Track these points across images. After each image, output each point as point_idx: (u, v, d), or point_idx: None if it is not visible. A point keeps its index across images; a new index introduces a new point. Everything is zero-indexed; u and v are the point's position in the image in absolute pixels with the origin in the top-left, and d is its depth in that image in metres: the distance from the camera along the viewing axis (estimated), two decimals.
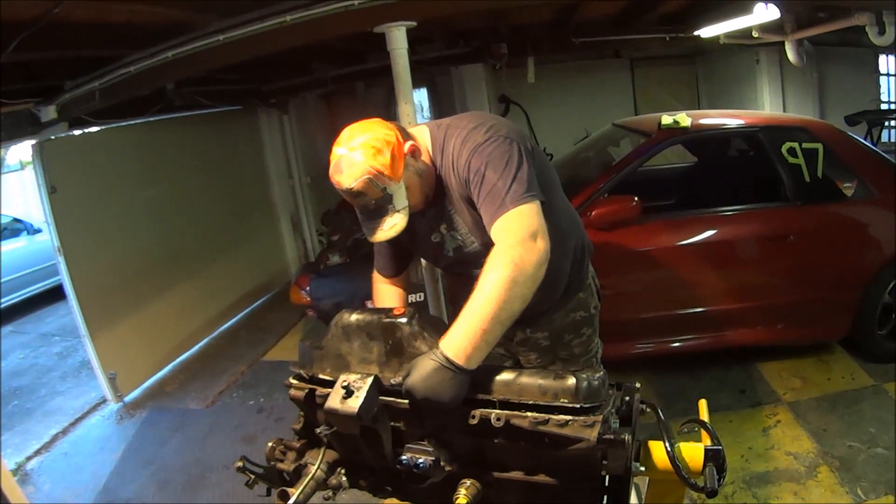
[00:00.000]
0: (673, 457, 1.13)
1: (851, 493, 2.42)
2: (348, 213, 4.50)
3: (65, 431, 3.85)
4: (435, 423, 1.19)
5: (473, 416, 1.12)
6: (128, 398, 4.11)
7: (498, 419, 1.09)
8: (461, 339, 1.16)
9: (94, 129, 4.06)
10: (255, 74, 5.17)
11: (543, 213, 1.35)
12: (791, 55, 4.61)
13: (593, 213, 3.05)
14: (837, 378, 3.24)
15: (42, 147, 3.61)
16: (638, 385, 1.23)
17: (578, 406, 1.07)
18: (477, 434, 1.14)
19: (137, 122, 4.35)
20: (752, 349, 3.40)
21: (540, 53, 5.52)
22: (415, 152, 1.45)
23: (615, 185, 3.21)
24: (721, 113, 4.47)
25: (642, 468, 1.15)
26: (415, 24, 2.43)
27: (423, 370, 1.13)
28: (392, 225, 1.41)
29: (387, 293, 1.76)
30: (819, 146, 3.24)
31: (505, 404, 1.13)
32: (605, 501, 1.10)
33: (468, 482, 1.16)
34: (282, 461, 1.33)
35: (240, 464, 1.33)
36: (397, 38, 2.42)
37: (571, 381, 1.09)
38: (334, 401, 1.15)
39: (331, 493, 1.25)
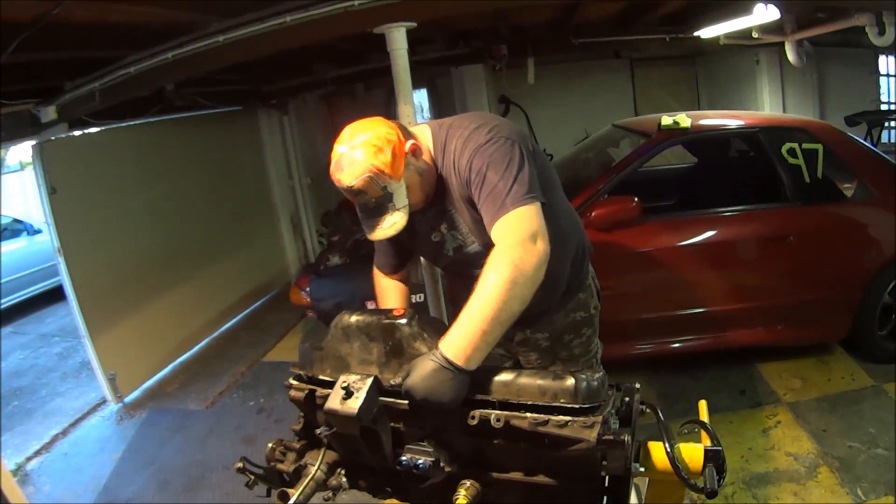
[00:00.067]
0: (673, 457, 1.13)
1: (851, 494, 2.42)
2: (348, 214, 4.51)
3: (65, 432, 3.85)
4: (435, 423, 1.19)
5: (473, 417, 1.12)
6: (128, 399, 4.11)
7: (497, 420, 1.09)
8: (461, 340, 1.16)
9: (94, 129, 4.06)
10: (255, 75, 5.17)
11: (544, 214, 1.35)
12: (791, 56, 4.61)
13: (593, 213, 3.05)
14: (837, 378, 3.24)
15: (42, 148, 3.61)
16: (638, 386, 1.23)
17: (578, 407, 1.07)
18: (476, 435, 1.14)
19: (137, 123, 4.35)
20: (752, 350, 3.40)
21: (540, 54, 5.53)
22: (416, 151, 1.45)
23: (615, 185, 3.20)
24: (721, 113, 4.47)
25: (642, 469, 1.15)
26: (415, 24, 2.43)
27: (422, 371, 1.13)
28: (392, 223, 1.41)
29: (389, 288, 1.76)
30: (819, 147, 3.24)
31: (504, 405, 1.13)
32: (604, 502, 1.10)
33: (468, 483, 1.16)
34: (282, 462, 1.33)
35: (240, 464, 1.33)
36: (397, 38, 2.42)
37: (571, 381, 1.09)
38: (334, 402, 1.15)
39: (331, 494, 1.25)
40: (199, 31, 2.56)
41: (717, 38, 4.82)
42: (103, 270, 4.04)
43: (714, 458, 1.14)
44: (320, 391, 1.26)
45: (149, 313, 4.38)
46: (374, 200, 1.39)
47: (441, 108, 6.41)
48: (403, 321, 1.23)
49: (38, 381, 4.77)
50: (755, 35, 4.50)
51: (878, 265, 3.19)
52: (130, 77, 2.80)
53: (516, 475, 1.17)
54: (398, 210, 1.41)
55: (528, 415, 1.09)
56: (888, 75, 6.36)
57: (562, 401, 1.08)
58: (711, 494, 1.10)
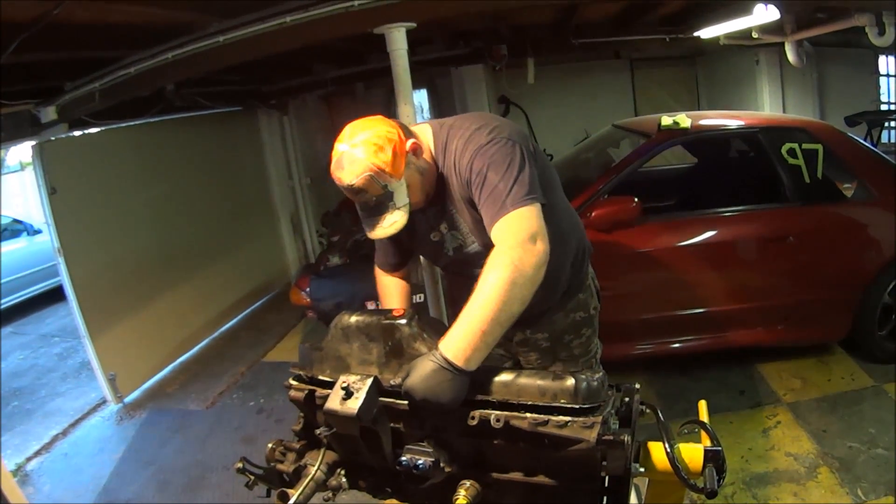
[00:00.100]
0: (672, 458, 1.13)
1: (851, 494, 2.42)
2: (348, 214, 4.51)
3: (65, 432, 3.85)
4: (434, 424, 1.19)
5: (473, 417, 1.12)
6: (128, 399, 4.11)
7: (497, 420, 1.09)
8: (460, 341, 1.16)
9: (94, 130, 4.06)
10: (255, 75, 5.18)
11: (544, 214, 1.35)
12: (791, 56, 4.61)
13: (593, 213, 3.05)
14: (837, 379, 3.24)
15: (42, 148, 3.61)
16: (637, 386, 1.23)
17: (578, 407, 1.07)
18: (476, 435, 1.14)
19: (137, 123, 4.36)
20: (752, 350, 3.40)
21: (540, 54, 5.53)
22: (416, 150, 1.45)
23: (615, 186, 3.20)
24: (721, 114, 4.47)
25: (642, 469, 1.15)
26: (415, 25, 2.43)
27: (422, 371, 1.13)
28: (392, 222, 1.41)
29: (390, 286, 1.77)
30: (819, 147, 3.24)
31: (504, 405, 1.13)
32: (604, 502, 1.10)
33: (468, 483, 1.16)
34: (282, 462, 1.33)
35: (240, 465, 1.33)
36: (397, 39, 2.42)
37: (571, 381, 1.09)
38: (334, 402, 1.15)
39: (330, 494, 1.25)
40: (199, 32, 2.56)
41: (717, 39, 4.82)
42: (103, 271, 4.04)
43: (714, 459, 1.14)
44: (320, 391, 1.26)
45: (149, 313, 4.38)
46: (374, 199, 1.39)
47: (441, 108, 6.42)
48: (403, 321, 1.23)
49: (38, 382, 4.77)
50: (755, 35, 4.50)
51: (878, 265, 3.19)
52: (130, 77, 2.80)
53: (516, 475, 1.17)
54: (398, 209, 1.41)
55: (528, 415, 1.09)
56: (888, 75, 6.36)
57: (562, 401, 1.08)
58: (711, 495, 1.10)
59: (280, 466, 1.33)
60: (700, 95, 7.37)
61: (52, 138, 3.57)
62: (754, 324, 3.29)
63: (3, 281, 6.14)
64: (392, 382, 1.18)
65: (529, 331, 1.81)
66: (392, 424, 1.21)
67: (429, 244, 1.65)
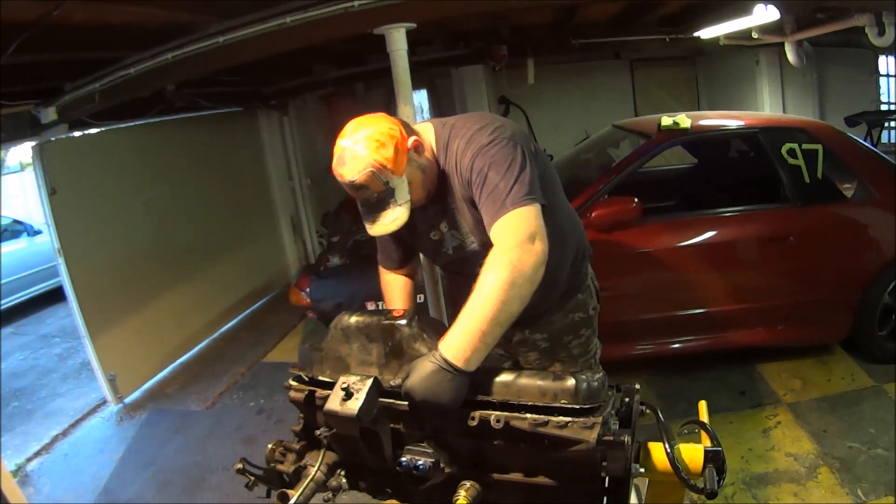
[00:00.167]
0: (673, 458, 1.13)
1: (852, 494, 2.42)
2: (348, 215, 4.51)
3: (65, 433, 3.85)
4: (434, 424, 1.19)
5: (473, 418, 1.12)
6: (128, 399, 4.11)
7: (497, 421, 1.09)
8: (460, 341, 1.16)
9: (94, 130, 4.07)
10: (256, 76, 5.18)
11: (544, 215, 1.35)
12: (791, 56, 4.61)
13: (593, 214, 3.05)
14: (837, 379, 3.24)
15: (42, 148, 3.61)
16: (637, 386, 1.23)
17: (578, 407, 1.07)
18: (476, 435, 1.14)
19: (137, 124, 4.36)
20: (752, 350, 3.40)
21: (540, 55, 5.54)
22: (418, 147, 1.45)
23: (615, 186, 3.20)
24: (721, 114, 4.47)
25: (642, 469, 1.15)
26: (415, 25, 2.43)
27: (422, 372, 1.13)
28: (394, 219, 1.41)
29: (393, 284, 1.77)
30: (819, 147, 3.24)
31: (504, 406, 1.13)
32: (604, 503, 1.10)
33: (468, 484, 1.16)
34: (282, 463, 1.33)
35: (240, 465, 1.33)
36: (397, 39, 2.42)
37: (571, 382, 1.09)
38: (334, 402, 1.15)
39: (330, 495, 1.25)
40: (199, 32, 2.56)
41: (716, 39, 4.82)
42: (103, 271, 4.04)
43: (714, 459, 1.14)
44: (320, 392, 1.26)
45: (149, 314, 4.38)
46: (375, 196, 1.40)
47: (441, 108, 6.41)
48: (403, 322, 1.23)
49: (39, 382, 4.76)
50: (755, 35, 4.50)
51: (879, 265, 3.19)
52: (130, 78, 2.80)
53: (516, 476, 1.17)
54: (400, 205, 1.41)
55: (528, 416, 1.09)
56: (888, 75, 6.37)
57: (562, 402, 1.08)
58: (711, 495, 1.10)
59: (280, 467, 1.33)
60: (700, 95, 7.38)
61: (53, 139, 3.57)
62: (754, 324, 3.29)
63: (3, 281, 6.14)
64: (392, 383, 1.18)
65: (528, 331, 1.81)
66: (392, 425, 1.21)
67: (429, 243, 1.65)
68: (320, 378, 1.29)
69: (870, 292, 3.21)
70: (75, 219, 3.86)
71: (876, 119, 5.91)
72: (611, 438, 1.05)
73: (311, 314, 4.01)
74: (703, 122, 3.71)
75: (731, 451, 2.69)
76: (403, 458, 1.19)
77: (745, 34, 4.52)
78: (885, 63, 6.27)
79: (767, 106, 5.89)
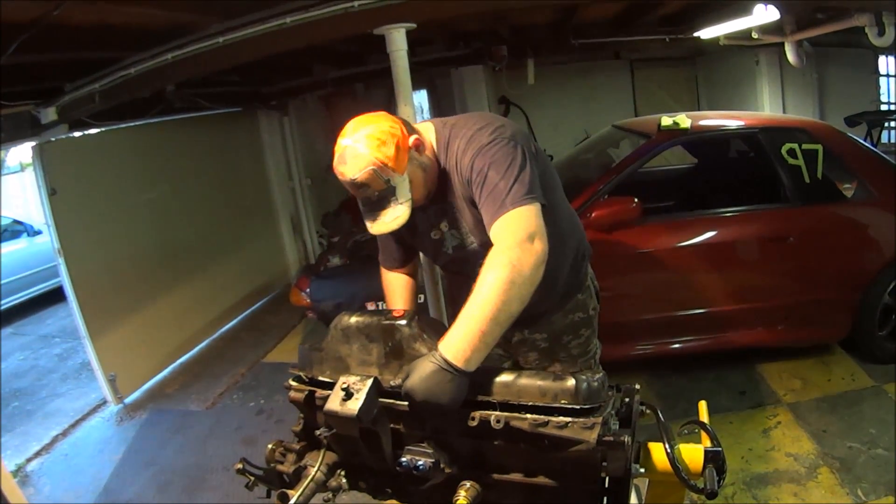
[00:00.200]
0: (673, 458, 1.13)
1: (852, 495, 2.42)
2: (348, 215, 4.51)
3: (65, 433, 3.85)
4: (435, 424, 1.19)
5: (473, 418, 1.12)
6: (128, 400, 4.11)
7: (497, 421, 1.09)
8: (460, 341, 1.16)
9: (94, 130, 4.07)
10: (256, 76, 5.18)
11: (544, 215, 1.35)
12: (791, 56, 4.61)
13: (593, 214, 3.05)
14: (837, 379, 3.24)
15: (42, 149, 3.61)
16: (637, 386, 1.23)
17: (578, 408, 1.07)
18: (477, 436, 1.14)
19: (138, 124, 4.36)
20: (752, 350, 3.40)
21: (540, 55, 5.54)
22: (419, 146, 1.46)
23: (615, 186, 3.20)
24: (721, 114, 4.47)
25: (642, 470, 1.15)
26: (415, 25, 2.43)
27: (422, 372, 1.13)
28: (395, 217, 1.41)
29: (395, 283, 1.77)
30: (819, 147, 3.24)
31: (505, 406, 1.13)
32: (604, 503, 1.10)
33: (468, 484, 1.16)
34: (282, 463, 1.33)
35: (240, 465, 1.33)
36: (397, 39, 2.42)
37: (571, 382, 1.09)
38: (334, 403, 1.15)
39: (330, 495, 1.25)
40: (199, 33, 2.56)
41: (716, 39, 4.82)
42: (103, 271, 4.04)
43: (714, 459, 1.14)
44: (320, 392, 1.26)
45: (149, 314, 4.38)
46: (376, 194, 1.40)
47: (441, 108, 6.41)
48: (403, 322, 1.23)
49: (39, 383, 4.76)
50: (755, 35, 4.50)
51: (879, 266, 3.19)
52: (130, 78, 2.80)
53: (516, 476, 1.17)
54: (401, 204, 1.41)
55: (529, 416, 1.09)
56: (888, 76, 6.36)
57: (562, 402, 1.08)
58: (711, 495, 1.10)
59: (280, 467, 1.33)
60: (700, 96, 7.38)
61: (53, 139, 3.57)
62: (754, 324, 3.29)
63: (3, 282, 6.14)
64: (392, 383, 1.18)
65: (528, 331, 1.81)
66: (392, 425, 1.21)
67: (429, 242, 1.65)
68: (320, 378, 1.29)
69: (870, 292, 3.21)
70: (75, 219, 3.86)
71: (876, 119, 5.91)
72: (611, 439, 1.05)
73: (311, 314, 4.01)
74: (703, 123, 3.71)
75: (731, 452, 2.69)
76: (403, 459, 1.19)
77: (745, 34, 4.52)
78: (885, 63, 6.27)
79: (767, 106, 5.89)
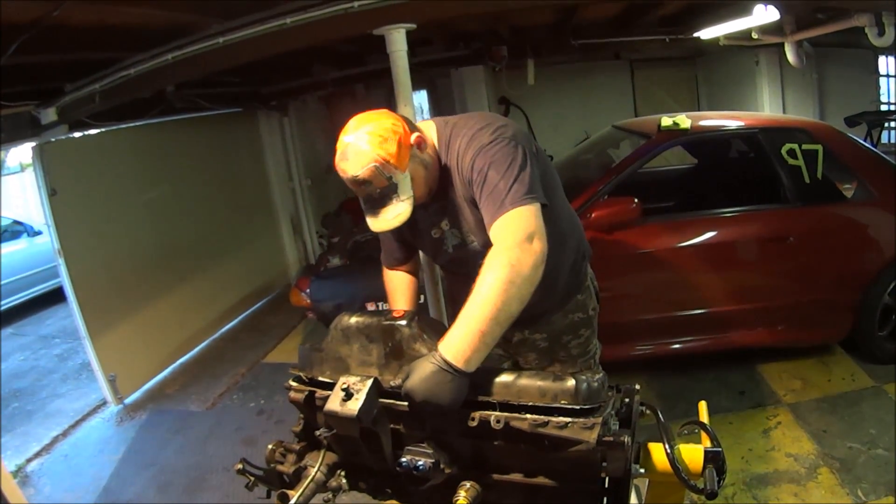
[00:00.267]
0: (673, 459, 1.13)
1: (852, 495, 2.42)
2: (348, 216, 4.51)
3: (65, 433, 3.85)
4: (434, 425, 1.19)
5: (473, 419, 1.12)
6: (128, 400, 4.11)
7: (497, 421, 1.09)
8: (459, 342, 1.16)
9: (94, 131, 4.06)
10: (256, 77, 5.18)
11: (544, 215, 1.35)
12: (791, 56, 4.61)
13: (593, 214, 3.05)
14: (838, 379, 3.24)
15: (42, 149, 3.61)
16: (637, 387, 1.23)
17: (578, 408, 1.07)
18: (477, 436, 1.14)
19: (138, 125, 4.35)
20: (752, 351, 3.40)
21: (540, 55, 5.54)
22: (420, 144, 1.46)
23: (615, 186, 3.20)
24: (721, 114, 4.47)
25: (642, 470, 1.15)
26: (414, 26, 2.43)
27: (422, 373, 1.13)
28: (396, 214, 1.41)
29: (396, 282, 1.77)
30: (819, 147, 3.24)
31: (504, 406, 1.13)
32: (604, 503, 1.10)
33: (468, 484, 1.16)
34: (282, 463, 1.33)
35: (240, 466, 1.33)
36: (397, 40, 2.42)
37: (571, 382, 1.09)
38: (334, 403, 1.15)
39: (330, 496, 1.25)
40: (199, 33, 2.56)
41: (716, 39, 4.82)
42: (103, 272, 4.04)
43: (714, 459, 1.14)
44: (320, 393, 1.26)
45: (149, 315, 4.38)
46: (378, 191, 1.40)
47: (441, 109, 6.42)
48: (403, 322, 1.23)
49: (39, 383, 4.76)
50: (755, 36, 4.50)
51: (879, 266, 3.19)
52: (130, 79, 2.80)
53: (516, 477, 1.17)
54: (402, 201, 1.41)
55: (528, 416, 1.09)
56: (888, 76, 6.36)
57: (562, 402, 1.08)
58: (711, 495, 1.10)
59: (280, 468, 1.33)
60: (700, 96, 7.38)
61: (53, 139, 3.57)
62: (754, 324, 3.29)
63: (3, 282, 6.13)
64: (392, 384, 1.18)
65: (528, 331, 1.81)
66: (392, 425, 1.21)
67: (430, 241, 1.65)
68: (320, 379, 1.29)
69: (870, 293, 3.21)
70: (75, 219, 3.86)
71: (876, 119, 5.90)
72: (611, 439, 1.05)
73: (311, 315, 4.01)
74: (703, 123, 3.71)
75: (731, 452, 2.69)
76: (403, 459, 1.19)
77: (745, 34, 4.52)
78: (885, 63, 6.26)
79: (767, 106, 5.89)
